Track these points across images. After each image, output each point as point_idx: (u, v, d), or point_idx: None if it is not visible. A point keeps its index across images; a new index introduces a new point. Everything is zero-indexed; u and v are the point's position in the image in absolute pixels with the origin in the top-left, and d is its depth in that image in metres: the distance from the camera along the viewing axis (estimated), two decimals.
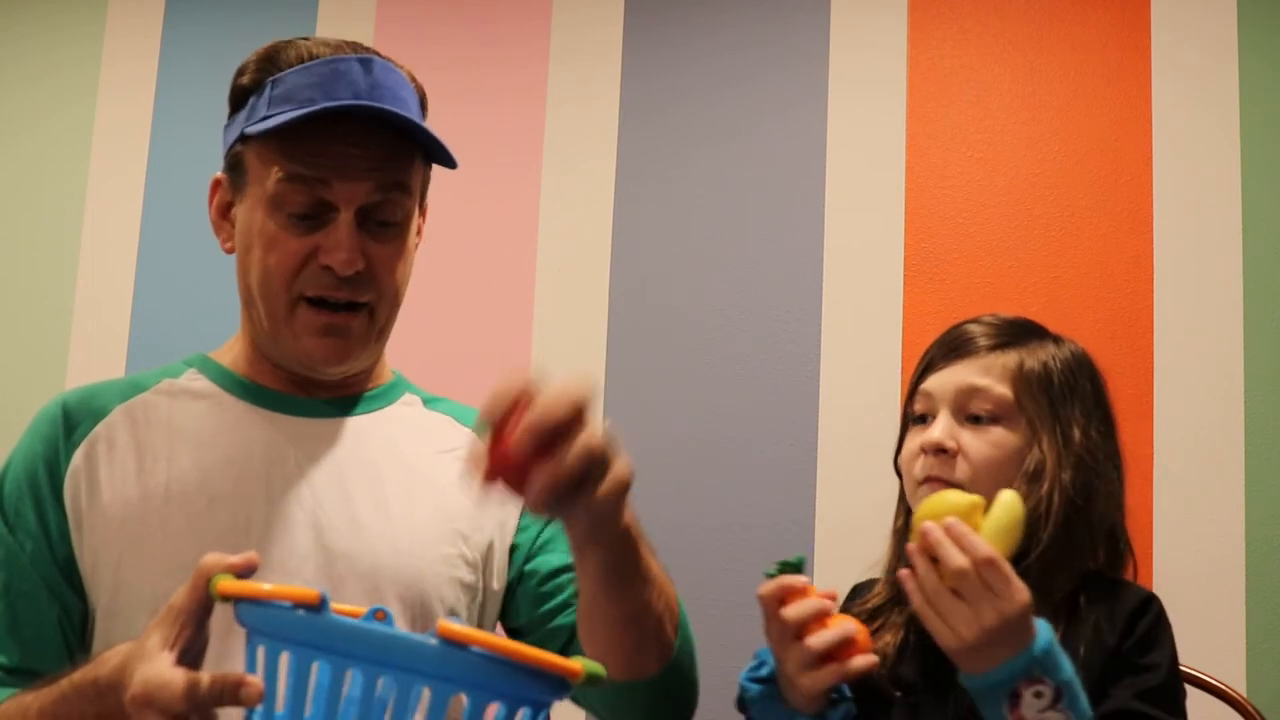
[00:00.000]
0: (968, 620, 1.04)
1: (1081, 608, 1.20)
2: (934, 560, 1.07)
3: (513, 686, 0.75)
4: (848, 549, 2.19)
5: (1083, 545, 1.23)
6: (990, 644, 1.03)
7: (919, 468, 1.26)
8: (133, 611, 1.14)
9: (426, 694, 0.75)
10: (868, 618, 1.30)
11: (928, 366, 1.32)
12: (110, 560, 1.16)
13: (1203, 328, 2.15)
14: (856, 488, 2.21)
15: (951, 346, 1.30)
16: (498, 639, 0.75)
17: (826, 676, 1.10)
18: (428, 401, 1.35)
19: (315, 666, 0.78)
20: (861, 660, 1.10)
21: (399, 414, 1.31)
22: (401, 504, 1.23)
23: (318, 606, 0.78)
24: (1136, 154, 2.23)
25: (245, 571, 0.87)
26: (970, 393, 1.26)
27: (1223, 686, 1.68)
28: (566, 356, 2.41)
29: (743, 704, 1.25)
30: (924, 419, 1.29)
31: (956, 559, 1.04)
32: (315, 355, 1.22)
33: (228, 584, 0.84)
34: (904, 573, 1.09)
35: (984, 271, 2.25)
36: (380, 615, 0.80)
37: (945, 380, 1.28)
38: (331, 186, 1.17)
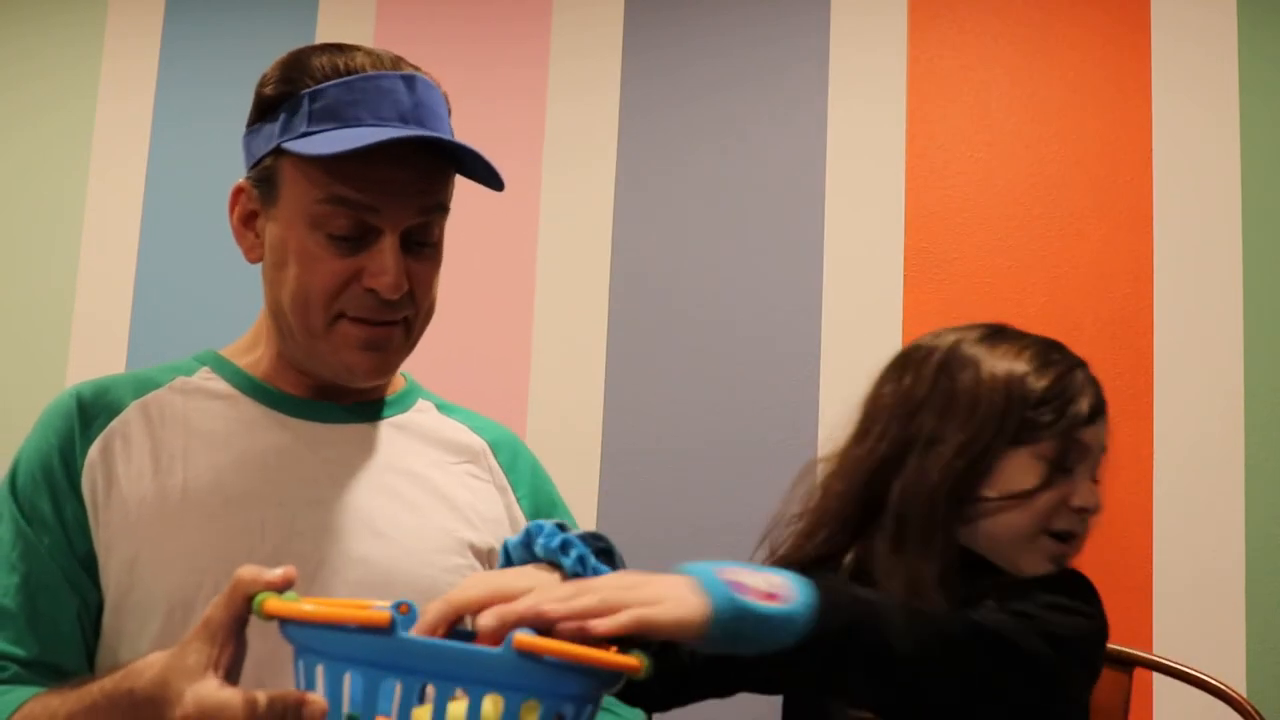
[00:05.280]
0: None
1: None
2: None
3: (582, 687, 0.79)
4: None
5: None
6: None
7: (1060, 521, 1.17)
8: (145, 611, 1.13)
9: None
10: None
11: (1091, 414, 1.18)
12: (124, 558, 1.16)
13: (1202, 327, 2.15)
14: None
15: (1101, 401, 1.20)
16: (568, 646, 0.78)
17: None
18: (441, 408, 1.35)
19: (386, 684, 0.78)
20: None
21: (414, 421, 1.30)
22: (414, 512, 1.23)
23: (388, 629, 0.76)
24: (1136, 154, 2.23)
25: (283, 586, 0.85)
26: (1102, 457, 1.20)
27: (1223, 686, 1.68)
28: (566, 356, 2.41)
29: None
30: (1066, 469, 1.17)
31: None
32: (356, 370, 1.20)
33: (277, 604, 0.80)
34: None
35: (984, 271, 2.25)
36: (404, 609, 0.80)
37: (1098, 437, 1.19)
38: (379, 212, 1.14)
